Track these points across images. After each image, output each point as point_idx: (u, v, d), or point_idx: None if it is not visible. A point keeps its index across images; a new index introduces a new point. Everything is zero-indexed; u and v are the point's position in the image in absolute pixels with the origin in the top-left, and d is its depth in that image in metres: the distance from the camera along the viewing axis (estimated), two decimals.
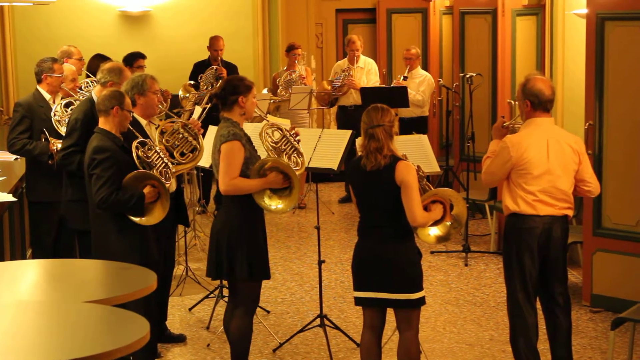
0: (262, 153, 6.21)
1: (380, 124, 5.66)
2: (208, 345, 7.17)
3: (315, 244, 7.34)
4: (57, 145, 7.19)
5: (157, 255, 6.32)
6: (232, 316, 6.14)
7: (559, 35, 9.58)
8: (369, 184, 5.70)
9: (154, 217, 6.17)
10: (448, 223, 5.92)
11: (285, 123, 7.86)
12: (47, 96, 7.66)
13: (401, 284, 5.67)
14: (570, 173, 5.96)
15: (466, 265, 9.15)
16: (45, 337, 3.80)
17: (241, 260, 5.99)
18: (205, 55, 11.63)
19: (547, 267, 6.02)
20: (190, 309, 7.94)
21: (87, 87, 8.14)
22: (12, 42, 12.24)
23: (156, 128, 6.67)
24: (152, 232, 6.27)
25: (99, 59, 9.05)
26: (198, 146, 6.87)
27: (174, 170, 6.45)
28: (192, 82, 11.01)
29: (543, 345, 6.40)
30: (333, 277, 8.82)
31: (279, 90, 11.48)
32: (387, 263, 5.66)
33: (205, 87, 10.80)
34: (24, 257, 8.33)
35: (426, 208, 5.79)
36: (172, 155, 6.57)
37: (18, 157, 8.11)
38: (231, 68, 11.44)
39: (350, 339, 7.10)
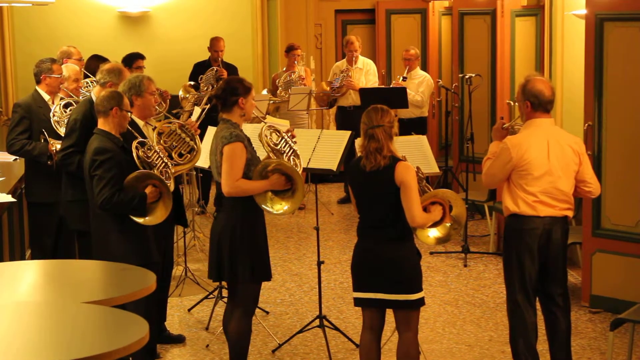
0: (261, 154, 6.21)
1: (380, 124, 5.66)
2: (207, 345, 7.17)
3: (315, 244, 7.34)
4: (56, 146, 7.19)
5: (157, 256, 6.33)
6: (231, 317, 6.14)
7: (558, 35, 9.58)
8: (368, 184, 5.70)
9: (157, 216, 6.18)
10: (447, 224, 5.92)
11: (284, 124, 7.87)
12: (46, 97, 7.65)
13: (400, 285, 5.67)
14: (571, 174, 5.96)
15: (465, 266, 9.15)
16: (44, 338, 3.80)
17: (243, 262, 5.99)
18: (204, 55, 11.63)
19: (547, 267, 6.02)
20: (189, 310, 7.94)
21: (87, 87, 8.14)
22: (11, 42, 12.24)
23: (153, 129, 6.67)
24: (152, 233, 6.27)
25: (96, 59, 9.05)
26: (195, 147, 6.88)
27: (173, 171, 6.46)
28: (192, 82, 11.01)
29: (542, 346, 6.40)
30: (332, 277, 8.82)
31: (278, 91, 11.49)
32: (386, 264, 5.66)
33: (205, 88, 10.80)
34: (23, 258, 8.33)
35: (425, 209, 5.80)
36: (170, 156, 6.58)
37: (17, 157, 8.10)
38: (231, 69, 11.44)
39: (350, 339, 7.10)
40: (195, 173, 10.01)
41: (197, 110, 8.67)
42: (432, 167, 7.09)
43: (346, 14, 14.33)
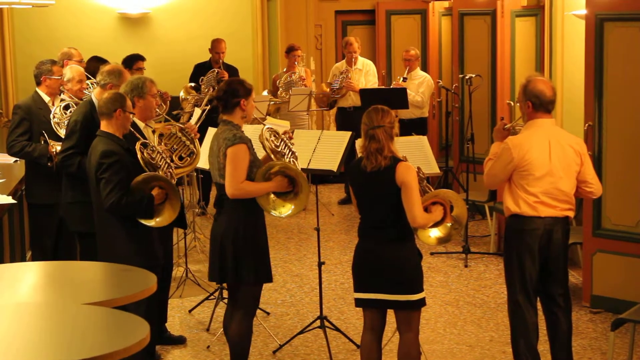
0: (260, 155, 6.21)
1: (380, 125, 5.66)
2: (208, 347, 7.17)
3: (315, 245, 7.34)
4: (56, 147, 7.19)
5: (162, 258, 6.36)
6: (232, 318, 6.14)
7: (558, 36, 9.58)
8: (369, 185, 5.70)
9: (165, 218, 6.19)
10: (448, 224, 5.93)
11: (284, 125, 7.88)
12: (47, 98, 7.66)
13: (401, 285, 5.67)
14: (572, 174, 5.95)
15: (466, 266, 9.15)
16: (45, 339, 3.79)
17: (247, 264, 5.98)
18: (204, 56, 11.63)
19: (548, 268, 6.02)
20: (190, 311, 7.94)
21: (87, 88, 8.13)
22: (11, 44, 12.24)
23: (153, 132, 6.67)
24: (157, 234, 6.30)
25: (96, 61, 9.04)
26: (195, 151, 6.90)
27: (175, 173, 6.47)
28: (192, 84, 11.01)
29: (543, 347, 6.40)
30: (333, 278, 8.82)
31: (279, 92, 11.49)
32: (387, 264, 5.66)
33: (206, 90, 10.80)
34: (23, 259, 8.33)
35: (426, 209, 5.80)
36: (171, 159, 6.58)
37: (17, 159, 8.10)
38: (232, 70, 11.45)
39: (351, 340, 7.09)
40: (195, 174, 10.02)
41: (197, 112, 8.67)
42: (432, 167, 7.09)
43: (346, 15, 14.33)
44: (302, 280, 8.81)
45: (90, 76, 8.00)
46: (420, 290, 5.72)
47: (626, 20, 7.42)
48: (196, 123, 7.91)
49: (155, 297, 5.44)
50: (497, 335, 7.28)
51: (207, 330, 7.51)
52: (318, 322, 7.14)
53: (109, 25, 12.59)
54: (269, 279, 6.14)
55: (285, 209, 6.09)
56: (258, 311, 7.20)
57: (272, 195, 6.05)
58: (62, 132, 7.31)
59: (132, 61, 9.68)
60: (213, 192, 11.28)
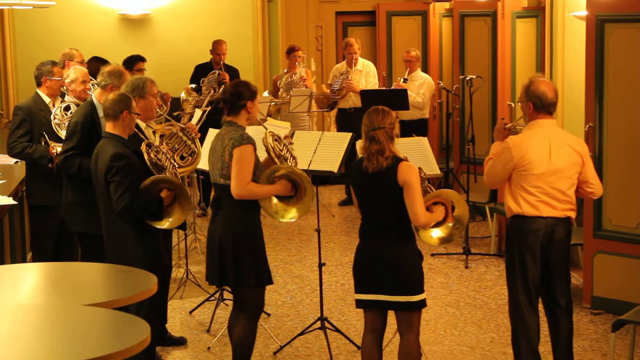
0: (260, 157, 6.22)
1: (381, 126, 5.66)
2: (209, 348, 7.17)
3: (316, 246, 7.34)
4: (56, 148, 7.19)
5: (167, 260, 6.37)
6: (237, 320, 6.13)
7: (559, 37, 9.58)
8: (370, 185, 5.70)
9: (176, 219, 6.20)
10: (450, 224, 5.93)
11: (285, 126, 7.88)
12: (47, 99, 7.66)
13: (402, 286, 5.67)
14: (573, 175, 5.95)
15: (467, 267, 9.14)
16: (46, 341, 3.79)
17: (248, 267, 5.98)
18: (205, 57, 11.64)
19: (549, 269, 6.01)
20: (190, 312, 7.94)
21: (90, 89, 8.13)
22: (12, 45, 12.23)
23: (153, 132, 6.68)
24: (162, 236, 6.31)
25: (96, 61, 9.05)
26: (196, 150, 6.90)
27: (178, 172, 6.48)
28: (193, 85, 11.01)
29: (544, 348, 6.40)
30: (333, 279, 8.82)
31: (279, 93, 11.49)
32: (388, 265, 5.66)
33: (207, 92, 10.80)
34: (24, 261, 8.33)
35: (428, 209, 5.80)
36: (173, 159, 6.59)
37: (18, 160, 8.10)
38: (233, 72, 11.45)
39: (351, 341, 7.09)
40: (196, 175, 10.02)
41: (197, 113, 8.67)
42: (433, 168, 7.10)
43: (347, 16, 14.33)
44: (303, 281, 8.80)
45: (90, 77, 8.00)
46: (421, 291, 5.72)
47: (627, 22, 7.42)
48: (197, 124, 7.90)
49: (156, 299, 5.45)
50: (497, 336, 7.28)
51: (208, 331, 7.51)
52: (319, 323, 7.14)
53: (109, 26, 12.59)
54: (269, 281, 6.14)
55: (291, 214, 6.10)
56: None
57: (274, 199, 6.05)
58: (62, 133, 7.31)
59: (133, 62, 9.68)
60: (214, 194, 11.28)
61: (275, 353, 7.03)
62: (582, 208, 7.84)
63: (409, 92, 11.02)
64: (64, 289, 4.74)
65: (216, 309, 7.69)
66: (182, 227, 7.28)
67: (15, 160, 8.18)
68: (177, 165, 6.48)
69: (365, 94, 11.03)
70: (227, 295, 7.71)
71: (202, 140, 7.44)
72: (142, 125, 6.65)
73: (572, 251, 8.26)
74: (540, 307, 6.13)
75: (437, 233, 5.97)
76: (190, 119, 8.95)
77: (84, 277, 5.05)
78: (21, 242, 8.32)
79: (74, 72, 7.66)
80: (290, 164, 6.21)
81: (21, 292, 4.65)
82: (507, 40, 10.35)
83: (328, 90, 11.69)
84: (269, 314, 7.83)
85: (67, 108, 7.49)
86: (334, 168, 6.94)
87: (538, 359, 6.07)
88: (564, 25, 9.50)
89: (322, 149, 7.08)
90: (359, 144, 5.90)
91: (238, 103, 6.07)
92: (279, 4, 12.85)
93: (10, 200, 7.08)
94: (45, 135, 7.32)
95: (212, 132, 7.64)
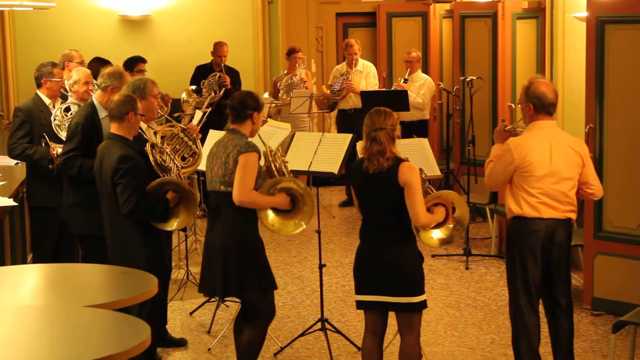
0: None
1: (382, 127, 5.66)
2: (209, 349, 7.16)
3: (316, 247, 7.34)
4: (57, 149, 7.19)
5: (170, 262, 6.37)
6: (245, 326, 6.09)
7: (559, 38, 9.58)
8: (371, 186, 5.70)
9: (182, 221, 6.21)
10: (450, 225, 5.93)
11: (285, 127, 7.88)
12: (47, 101, 7.66)
13: (403, 288, 5.67)
14: (574, 176, 5.95)
15: (467, 268, 9.14)
16: (46, 342, 3.79)
17: (252, 273, 5.95)
18: (205, 59, 11.64)
19: (550, 270, 6.01)
20: (191, 313, 7.94)
21: (93, 90, 8.13)
22: (12, 46, 12.23)
23: (155, 133, 6.68)
24: (165, 238, 6.32)
25: (97, 62, 9.05)
26: (197, 151, 6.91)
27: (181, 173, 6.49)
28: (194, 87, 11.01)
29: (544, 349, 6.40)
30: (334, 280, 8.82)
31: (280, 94, 11.49)
32: (389, 266, 5.66)
33: (207, 95, 10.80)
34: (24, 262, 8.32)
35: (429, 210, 5.79)
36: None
37: (19, 161, 8.10)
38: (233, 73, 11.46)
39: (352, 342, 7.09)
40: (196, 176, 10.01)
41: (198, 114, 8.67)
42: (433, 169, 7.09)
43: (347, 17, 14.33)
44: (303, 282, 8.80)
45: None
46: (422, 292, 5.72)
47: (627, 23, 7.42)
48: (197, 125, 7.90)
49: (157, 300, 5.44)
50: (498, 337, 7.28)
51: (208, 332, 7.51)
52: (319, 325, 7.14)
53: (110, 27, 12.59)
54: (274, 286, 6.13)
55: (288, 228, 6.09)
56: None
57: (269, 211, 6.03)
58: (62, 135, 7.31)
59: (133, 63, 9.68)
60: None
61: (275, 354, 7.03)
62: (583, 209, 7.84)
63: (409, 93, 11.02)
64: (65, 291, 4.74)
65: (216, 310, 7.69)
66: (183, 228, 7.29)
67: (15, 161, 8.18)
68: (180, 166, 6.49)
69: (365, 95, 11.03)
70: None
71: (202, 141, 7.44)
72: (144, 126, 6.65)
73: (572, 252, 8.27)
74: (541, 308, 6.13)
75: (437, 234, 5.97)
76: (190, 120, 8.95)
77: (85, 278, 5.04)
78: (21, 244, 8.32)
79: (77, 73, 7.66)
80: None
81: (21, 293, 4.65)
82: (507, 41, 10.35)
83: (328, 91, 11.70)
84: None
85: (67, 109, 7.50)
86: (335, 169, 6.94)
87: None
88: (564, 26, 9.51)
89: (322, 150, 7.07)
90: (360, 145, 5.89)
91: (245, 112, 6.06)
92: (280, 5, 12.85)
93: (10, 202, 7.08)
94: (46, 137, 7.32)
95: (213, 133, 7.65)
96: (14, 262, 7.77)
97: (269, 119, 9.68)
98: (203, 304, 7.97)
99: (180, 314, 7.93)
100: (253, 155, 5.92)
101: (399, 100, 10.74)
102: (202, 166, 7.16)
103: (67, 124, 7.26)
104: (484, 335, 7.34)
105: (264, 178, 6.07)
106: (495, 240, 9.65)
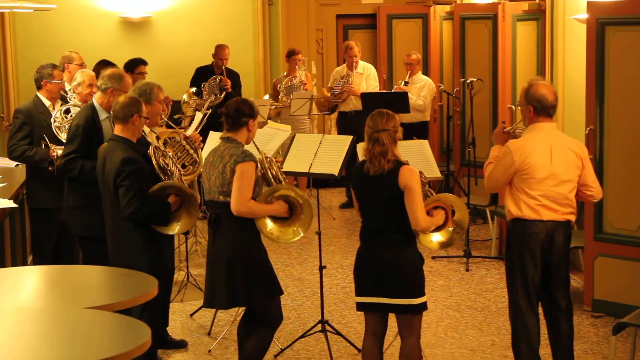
0: None
1: (385, 128, 5.66)
2: (209, 351, 7.16)
3: (316, 249, 7.34)
4: (57, 151, 7.19)
5: (171, 264, 6.37)
6: (252, 332, 6.08)
7: (560, 40, 9.58)
8: (371, 188, 5.70)
9: (184, 225, 6.21)
10: (450, 229, 5.93)
11: (285, 129, 7.88)
12: (47, 102, 7.67)
13: (403, 289, 5.66)
14: (574, 178, 5.95)
15: (467, 270, 9.14)
16: (46, 344, 3.79)
17: (258, 282, 5.94)
18: (206, 60, 11.64)
19: (549, 272, 6.01)
20: (191, 315, 7.94)
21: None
22: (12, 48, 12.23)
23: (157, 137, 6.69)
24: (166, 241, 6.32)
25: (104, 65, 9.04)
26: (198, 159, 6.93)
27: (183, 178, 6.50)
28: (194, 89, 11.01)
29: (545, 350, 6.39)
30: (334, 282, 8.82)
31: (280, 96, 11.49)
32: (389, 268, 5.66)
33: (208, 97, 10.79)
34: (25, 264, 8.32)
35: (428, 214, 5.79)
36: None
37: (19, 163, 8.11)
38: (234, 75, 11.47)
39: (352, 344, 7.09)
40: (197, 178, 10.01)
41: (198, 116, 8.67)
42: (433, 171, 7.09)
43: (347, 19, 14.33)
44: (304, 284, 8.80)
45: None
46: (422, 294, 5.72)
47: (627, 24, 7.42)
48: (197, 127, 7.91)
49: (158, 302, 5.44)
50: (498, 339, 7.28)
51: (209, 334, 7.51)
52: (319, 326, 7.14)
53: (110, 29, 12.58)
54: (280, 291, 6.12)
55: (287, 235, 6.07)
56: None
57: (267, 220, 6.02)
58: (62, 136, 7.31)
59: (134, 65, 9.68)
60: None
61: (276, 356, 7.03)
62: (583, 211, 7.84)
63: (409, 95, 11.01)
64: (65, 292, 4.74)
65: (217, 311, 7.68)
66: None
67: (16, 163, 8.18)
68: (181, 172, 6.51)
69: (365, 97, 11.02)
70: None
71: (202, 142, 7.45)
72: (146, 130, 6.66)
73: (573, 254, 8.27)
74: (540, 310, 6.13)
75: (437, 237, 5.97)
76: (190, 122, 8.95)
77: (85, 279, 5.05)
78: (22, 245, 8.32)
79: (81, 75, 7.66)
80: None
81: (22, 295, 4.65)
82: (507, 43, 10.35)
83: (329, 94, 11.70)
84: None
85: (67, 111, 7.50)
86: (335, 171, 6.93)
87: None
88: (565, 28, 9.50)
89: (322, 151, 7.07)
90: (361, 146, 5.89)
91: (240, 120, 6.03)
92: (280, 7, 12.84)
93: (10, 203, 7.08)
94: (46, 138, 7.32)
95: (213, 135, 7.64)
96: (14, 264, 7.77)
97: (269, 121, 9.69)
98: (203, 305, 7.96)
99: (181, 316, 7.93)
100: (250, 165, 5.90)
101: (400, 102, 10.74)
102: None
103: (67, 126, 7.27)
104: (484, 337, 7.34)
105: (261, 186, 6.06)
106: (496, 242, 9.65)
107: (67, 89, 8.08)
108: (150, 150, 6.19)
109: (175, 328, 7.60)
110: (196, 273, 8.78)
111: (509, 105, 10.17)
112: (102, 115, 6.86)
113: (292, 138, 7.33)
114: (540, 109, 5.94)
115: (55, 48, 11.52)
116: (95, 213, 6.43)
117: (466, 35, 11.13)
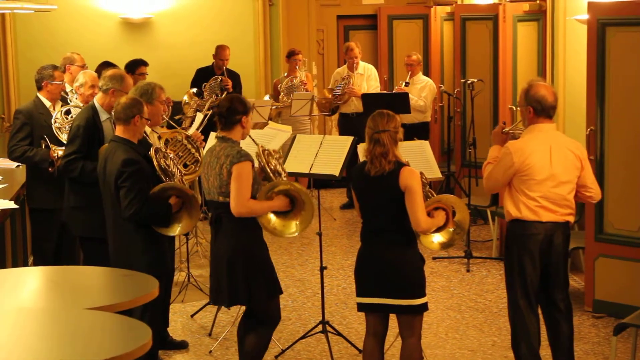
0: None
1: (386, 129, 5.66)
2: (210, 351, 7.16)
3: (317, 250, 7.34)
4: (57, 152, 7.19)
5: (172, 265, 6.37)
6: (251, 330, 6.09)
7: (560, 40, 9.58)
8: (372, 189, 5.70)
9: (185, 226, 6.21)
10: (451, 229, 5.93)
11: (286, 129, 7.88)
12: (48, 103, 7.67)
13: (404, 290, 5.66)
14: (573, 179, 5.95)
15: (468, 271, 9.14)
16: (47, 344, 3.79)
17: (259, 282, 5.94)
18: (206, 61, 11.64)
19: (548, 273, 6.01)
20: (192, 316, 7.94)
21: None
22: (13, 49, 12.23)
23: (159, 138, 6.69)
24: (167, 242, 6.32)
25: (106, 66, 9.04)
26: (200, 158, 6.92)
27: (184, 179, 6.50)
28: (195, 89, 11.01)
29: (545, 351, 6.39)
30: (335, 283, 8.82)
31: (280, 97, 11.49)
32: (390, 269, 5.66)
33: (209, 97, 10.80)
34: (25, 264, 8.32)
35: (429, 214, 5.79)
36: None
37: (19, 164, 8.11)
38: (235, 76, 11.47)
39: (353, 345, 7.09)
40: (197, 178, 10.01)
41: (199, 117, 8.67)
42: (434, 172, 7.08)
43: (348, 20, 14.33)
44: (304, 285, 8.80)
45: None
46: (423, 295, 5.72)
47: (628, 25, 7.42)
48: (198, 127, 7.91)
49: (159, 303, 5.43)
50: (499, 340, 7.27)
51: (209, 335, 7.51)
52: (320, 327, 7.14)
53: (111, 30, 12.59)
54: (279, 291, 6.13)
55: (290, 229, 6.07)
56: None
57: (271, 217, 6.01)
58: (63, 137, 7.31)
59: (135, 66, 9.68)
60: None
61: (277, 357, 7.03)
62: (584, 212, 7.84)
63: (410, 95, 11.01)
64: (65, 293, 4.74)
65: (217, 312, 7.69)
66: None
67: (16, 164, 8.18)
68: (183, 172, 6.50)
69: (366, 98, 11.02)
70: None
71: (204, 141, 7.46)
72: (147, 130, 6.66)
73: (573, 255, 8.27)
74: (540, 310, 6.12)
75: (438, 238, 5.97)
76: (191, 123, 8.95)
77: (85, 280, 5.04)
78: (22, 246, 8.32)
79: (83, 76, 7.66)
80: (284, 178, 6.20)
81: (22, 296, 4.65)
82: (508, 43, 10.35)
83: (330, 95, 11.70)
84: None
85: (67, 112, 7.50)
86: (336, 172, 6.93)
87: None
88: (565, 28, 9.51)
89: (323, 152, 7.07)
90: (361, 147, 5.89)
91: (233, 118, 6.00)
92: (280, 7, 12.85)
93: (11, 204, 7.08)
94: (46, 139, 7.32)
95: (214, 136, 7.64)
96: (14, 265, 7.77)
97: (269, 122, 9.69)
98: (204, 306, 7.96)
99: (182, 317, 7.93)
100: (246, 165, 5.88)
101: (400, 102, 10.74)
102: None
103: (67, 127, 7.27)
104: (485, 338, 7.34)
105: (260, 183, 6.05)
106: (496, 242, 9.65)
107: (68, 90, 8.09)
108: (152, 152, 6.20)
109: (176, 329, 7.60)
110: (197, 274, 8.78)
111: (510, 106, 10.17)
112: (103, 116, 6.86)
113: (292, 139, 7.33)
114: (540, 110, 5.94)
115: (55, 49, 11.53)
116: (96, 214, 6.43)
117: (467, 36, 11.14)
